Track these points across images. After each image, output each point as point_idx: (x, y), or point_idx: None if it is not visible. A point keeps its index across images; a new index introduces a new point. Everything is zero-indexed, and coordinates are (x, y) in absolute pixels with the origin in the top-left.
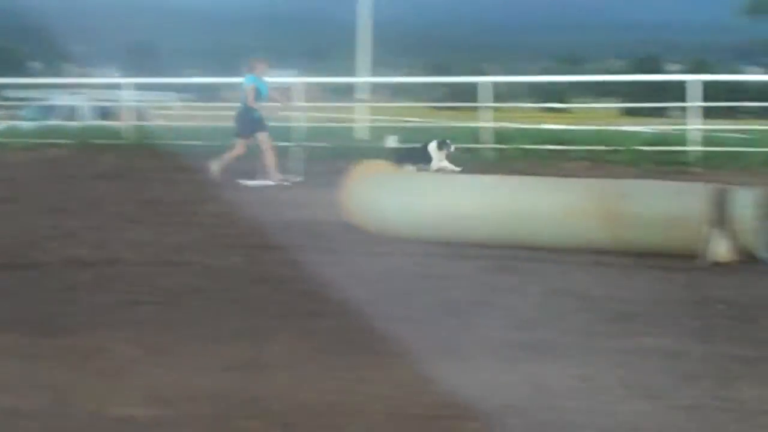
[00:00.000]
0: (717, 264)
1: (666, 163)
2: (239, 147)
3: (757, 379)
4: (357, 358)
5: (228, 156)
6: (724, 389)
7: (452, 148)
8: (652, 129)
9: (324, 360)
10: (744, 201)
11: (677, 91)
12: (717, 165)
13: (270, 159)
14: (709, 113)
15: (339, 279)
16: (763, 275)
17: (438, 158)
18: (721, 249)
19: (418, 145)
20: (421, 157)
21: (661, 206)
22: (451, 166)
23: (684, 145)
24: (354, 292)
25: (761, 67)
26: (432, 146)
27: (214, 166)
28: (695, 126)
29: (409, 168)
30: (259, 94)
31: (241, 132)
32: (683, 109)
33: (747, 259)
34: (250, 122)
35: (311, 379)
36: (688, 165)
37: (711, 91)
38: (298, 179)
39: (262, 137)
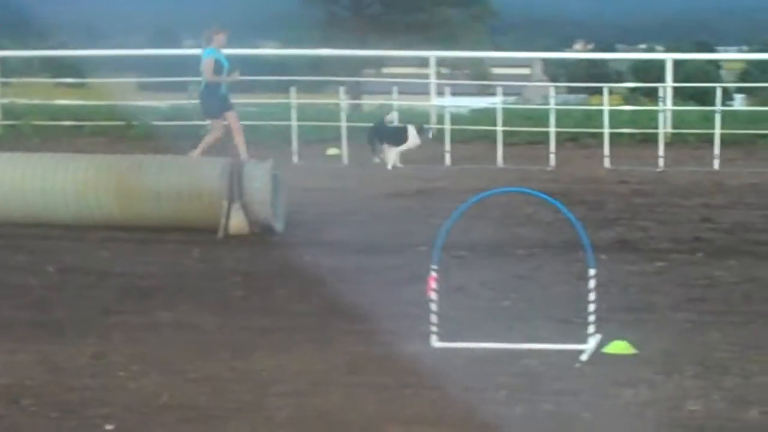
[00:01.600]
0: (232, 236)
1: (182, 137)
2: (216, 128)
3: (271, 349)
4: None
5: (208, 139)
6: (239, 360)
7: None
8: (170, 104)
9: None
10: (257, 174)
11: (196, 65)
12: (231, 139)
13: (240, 138)
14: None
15: None
16: (275, 247)
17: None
18: (236, 222)
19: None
20: (396, 138)
21: (177, 180)
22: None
23: (200, 119)
24: None
25: (277, 41)
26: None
27: (196, 152)
28: None
29: (386, 148)
30: (220, 68)
31: (209, 113)
32: (199, 83)
33: (261, 231)
34: (216, 101)
35: None
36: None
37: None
38: None
39: (230, 116)
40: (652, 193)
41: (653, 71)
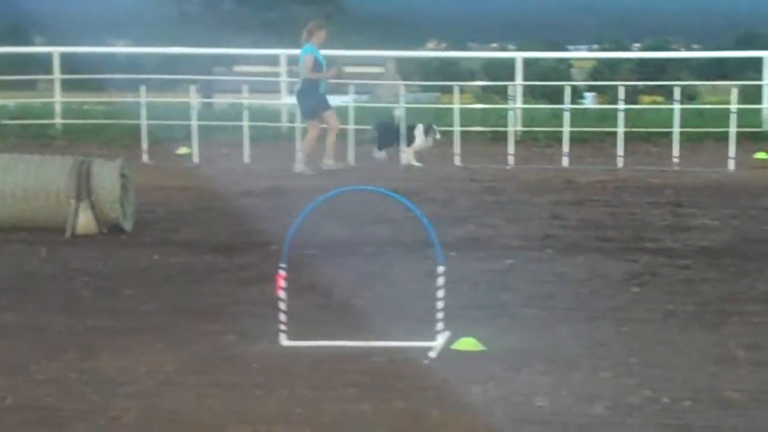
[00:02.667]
0: (80, 236)
1: (31, 136)
2: (313, 129)
3: (119, 350)
4: None
5: (306, 145)
6: (86, 361)
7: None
8: (16, 102)
9: None
10: (105, 174)
11: (45, 63)
12: (80, 138)
13: (332, 139)
14: (72, 86)
15: None
16: (124, 246)
17: (421, 142)
18: (84, 221)
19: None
20: (408, 138)
21: (23, 179)
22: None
23: (50, 117)
24: None
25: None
26: (418, 129)
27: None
28: (59, 99)
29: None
30: (319, 66)
31: (306, 112)
32: (51, 81)
33: (110, 230)
34: (314, 100)
35: None
36: (54, 138)
37: (73, 63)
38: None
39: (328, 116)
40: (503, 190)
41: (505, 70)
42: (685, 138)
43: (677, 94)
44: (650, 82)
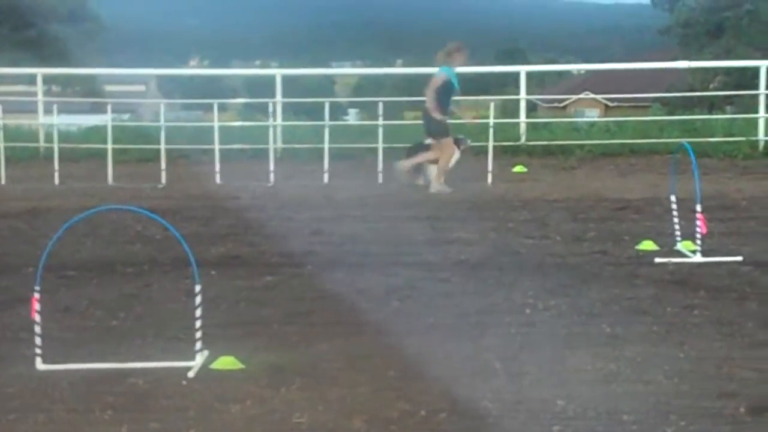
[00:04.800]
0: None
1: None
2: (446, 149)
3: None
4: None
5: (440, 163)
6: None
7: (468, 142)
8: None
9: None
10: None
11: None
12: None
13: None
14: None
15: None
16: None
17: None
18: None
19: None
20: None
21: None
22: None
23: None
24: None
25: None
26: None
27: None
28: None
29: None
30: (450, 90)
31: (433, 133)
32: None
33: None
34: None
35: None
36: None
37: None
38: None
39: (446, 141)
40: (264, 207)
41: (267, 87)
42: None
43: None
44: (413, 98)
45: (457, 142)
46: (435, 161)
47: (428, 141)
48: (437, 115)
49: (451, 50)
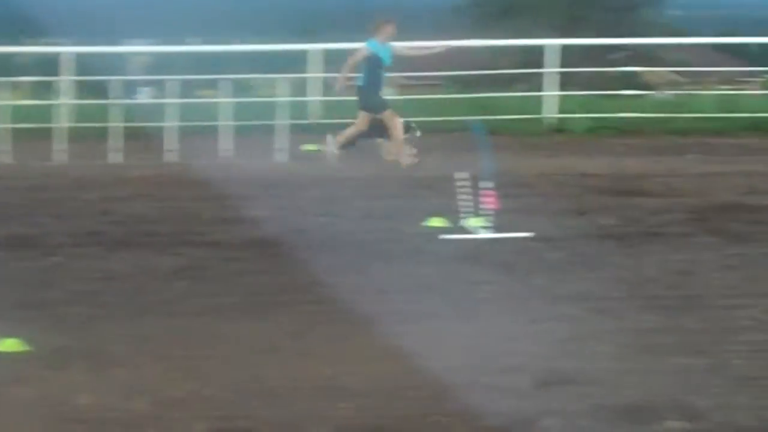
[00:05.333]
0: None
1: None
2: (390, 123)
3: None
4: None
5: (390, 143)
6: None
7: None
8: None
9: None
10: None
11: None
12: None
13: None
14: None
15: None
16: None
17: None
18: None
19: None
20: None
21: None
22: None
23: None
24: None
25: None
26: None
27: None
28: None
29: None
30: (378, 63)
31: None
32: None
33: None
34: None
35: None
36: None
37: None
38: None
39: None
40: (52, 187)
41: (55, 65)
42: (237, 130)
43: (228, 87)
44: (205, 76)
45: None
46: (368, 135)
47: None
48: (339, 87)
49: (379, 24)
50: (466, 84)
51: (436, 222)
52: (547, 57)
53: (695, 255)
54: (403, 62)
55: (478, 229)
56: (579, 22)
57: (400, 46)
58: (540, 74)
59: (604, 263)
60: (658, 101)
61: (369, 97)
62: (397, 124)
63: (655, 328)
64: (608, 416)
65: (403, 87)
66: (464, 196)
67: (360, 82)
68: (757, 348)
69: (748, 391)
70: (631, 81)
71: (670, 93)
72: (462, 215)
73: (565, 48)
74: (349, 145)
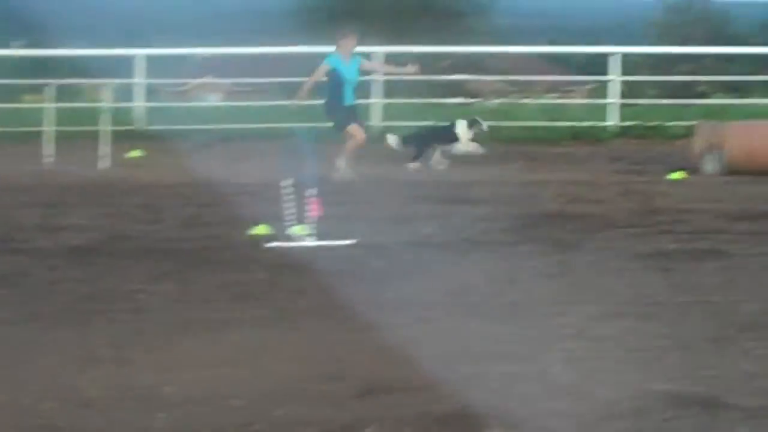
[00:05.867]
0: None
1: None
2: (350, 135)
3: None
4: None
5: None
6: None
7: (484, 126)
8: None
9: None
10: None
11: None
12: None
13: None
14: None
15: None
16: None
17: (466, 139)
18: None
19: (441, 125)
20: (445, 138)
21: None
22: (477, 147)
23: None
24: None
25: None
26: (461, 125)
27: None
28: None
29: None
30: (339, 79)
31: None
32: None
33: None
34: (341, 111)
35: None
36: None
37: None
38: None
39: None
40: None
41: None
42: (61, 136)
43: (51, 92)
44: (29, 81)
45: (471, 125)
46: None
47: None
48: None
49: (338, 38)
50: (293, 91)
51: (261, 230)
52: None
53: (518, 263)
54: (230, 69)
55: (303, 236)
56: (406, 29)
57: (370, 63)
58: (367, 82)
59: (427, 271)
60: (484, 109)
61: (330, 113)
62: (357, 137)
63: (478, 336)
64: (429, 425)
65: (231, 94)
66: (289, 204)
67: (325, 99)
68: (576, 356)
69: (567, 398)
70: (457, 89)
71: (496, 101)
72: (287, 223)
73: (390, 56)
74: (353, 158)
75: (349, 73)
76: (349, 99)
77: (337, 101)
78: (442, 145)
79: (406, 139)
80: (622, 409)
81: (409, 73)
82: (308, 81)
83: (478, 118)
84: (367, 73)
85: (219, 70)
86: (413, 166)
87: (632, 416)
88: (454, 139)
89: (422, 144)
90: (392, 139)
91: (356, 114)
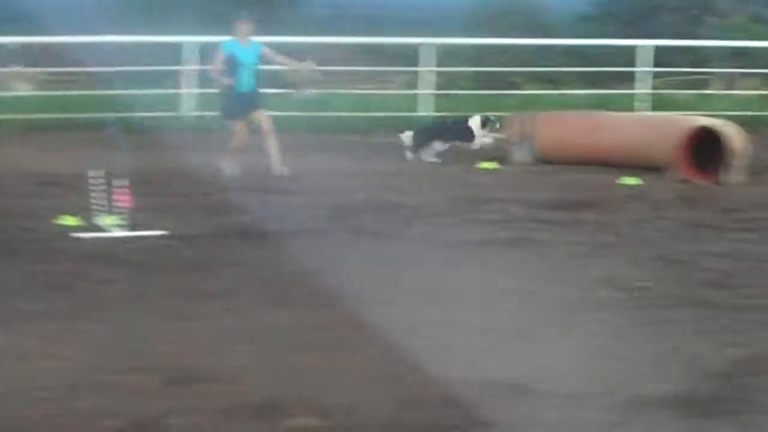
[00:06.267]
0: None
1: None
2: (236, 131)
3: None
4: None
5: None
6: None
7: (497, 124)
8: None
9: None
10: None
11: None
12: None
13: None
14: None
15: None
16: None
17: (481, 135)
18: None
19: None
20: (458, 134)
21: None
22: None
23: None
24: None
25: None
26: (474, 121)
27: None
28: None
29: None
30: (235, 63)
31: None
32: None
33: None
34: (234, 100)
35: None
36: None
37: None
38: None
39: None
40: None
41: None
42: None
43: None
44: None
45: (485, 122)
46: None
47: None
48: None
49: (235, 23)
50: (109, 81)
51: (68, 220)
52: (186, 53)
53: (332, 252)
54: (37, 57)
55: (112, 227)
56: (220, 19)
57: (271, 52)
58: (175, 72)
59: (240, 261)
60: (300, 99)
61: (222, 98)
62: (241, 135)
63: (289, 326)
64: (237, 414)
65: (41, 83)
66: (98, 194)
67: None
68: (387, 345)
69: (376, 388)
70: (272, 79)
71: (312, 92)
72: (95, 213)
73: (204, 45)
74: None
75: (245, 56)
76: (246, 85)
77: (232, 86)
78: (457, 141)
79: (417, 134)
80: (430, 397)
81: (308, 69)
82: (213, 71)
83: (490, 116)
84: (266, 62)
85: (28, 59)
86: (410, 156)
87: (441, 405)
88: (470, 136)
89: (430, 138)
90: (406, 137)
91: (254, 102)
